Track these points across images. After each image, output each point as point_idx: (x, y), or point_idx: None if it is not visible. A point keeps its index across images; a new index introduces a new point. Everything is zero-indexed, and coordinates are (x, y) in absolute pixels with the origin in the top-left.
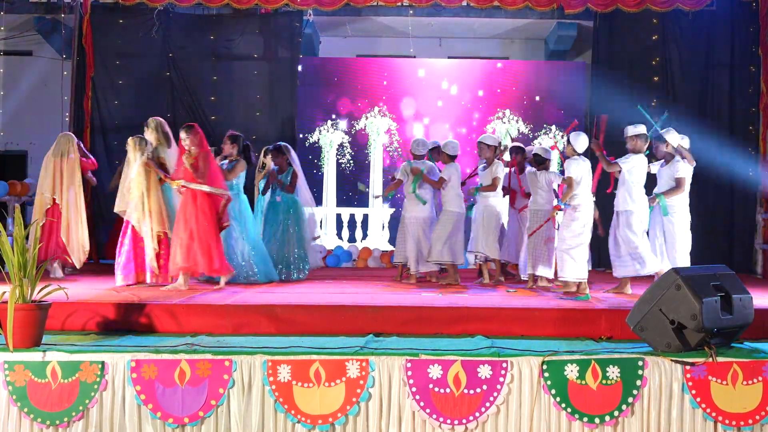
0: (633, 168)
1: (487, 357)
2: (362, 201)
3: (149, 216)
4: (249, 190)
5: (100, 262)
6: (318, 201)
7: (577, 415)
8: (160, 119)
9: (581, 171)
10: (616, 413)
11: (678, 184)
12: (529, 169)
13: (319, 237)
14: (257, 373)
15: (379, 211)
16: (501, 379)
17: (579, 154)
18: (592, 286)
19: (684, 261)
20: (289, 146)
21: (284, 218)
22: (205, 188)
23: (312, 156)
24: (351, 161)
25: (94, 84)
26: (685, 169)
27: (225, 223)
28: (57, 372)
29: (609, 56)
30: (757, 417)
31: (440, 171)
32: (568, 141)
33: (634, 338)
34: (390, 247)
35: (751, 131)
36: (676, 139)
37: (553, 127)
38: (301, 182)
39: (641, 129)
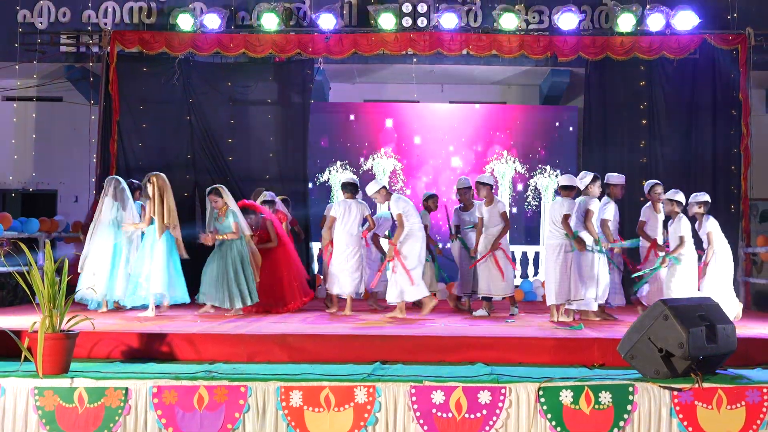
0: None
1: (487, 383)
2: None
3: None
4: None
5: None
6: None
7: None
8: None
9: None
10: None
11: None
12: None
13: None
14: (271, 399)
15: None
16: (500, 404)
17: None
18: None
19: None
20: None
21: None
22: None
23: (322, 194)
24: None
25: (119, 128)
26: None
27: None
28: (84, 397)
29: (600, 101)
30: None
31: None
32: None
33: (625, 365)
34: None
35: (734, 170)
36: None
37: (548, 168)
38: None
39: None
